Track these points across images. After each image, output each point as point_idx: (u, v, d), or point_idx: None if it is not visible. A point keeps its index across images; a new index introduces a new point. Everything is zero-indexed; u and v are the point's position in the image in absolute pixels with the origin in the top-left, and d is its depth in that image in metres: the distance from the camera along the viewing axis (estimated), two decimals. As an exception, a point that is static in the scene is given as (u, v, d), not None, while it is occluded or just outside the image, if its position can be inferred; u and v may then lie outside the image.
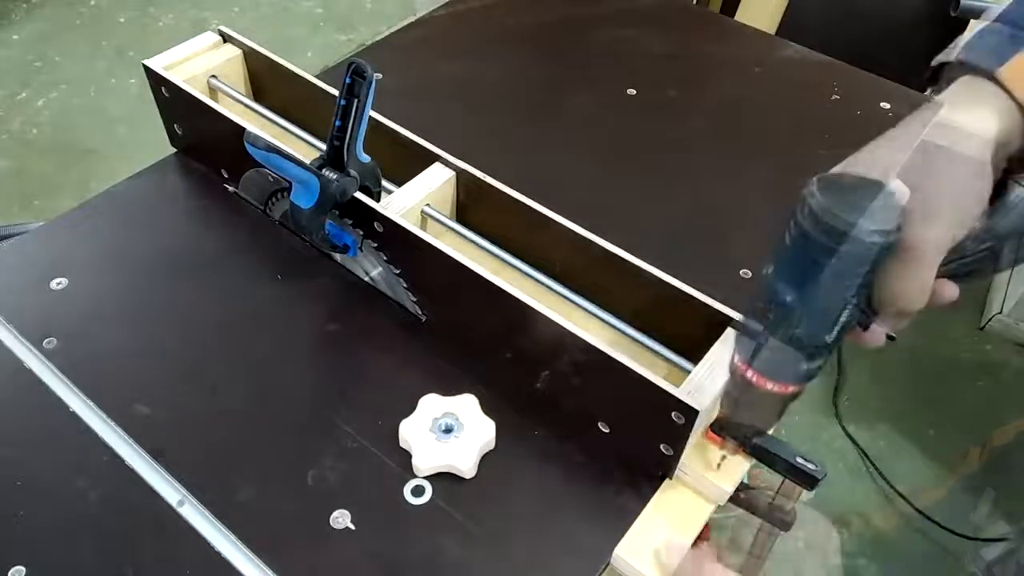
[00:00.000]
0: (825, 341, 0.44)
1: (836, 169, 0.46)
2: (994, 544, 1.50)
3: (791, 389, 0.48)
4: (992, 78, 0.43)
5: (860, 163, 0.46)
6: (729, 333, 0.60)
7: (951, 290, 0.46)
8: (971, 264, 0.47)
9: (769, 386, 0.48)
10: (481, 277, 0.62)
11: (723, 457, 0.59)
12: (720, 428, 0.56)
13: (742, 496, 0.73)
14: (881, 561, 1.49)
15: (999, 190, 0.46)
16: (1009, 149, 0.44)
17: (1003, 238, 0.47)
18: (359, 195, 0.67)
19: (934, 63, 0.46)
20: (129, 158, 2.02)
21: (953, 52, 0.45)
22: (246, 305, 0.72)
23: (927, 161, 0.43)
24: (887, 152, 0.45)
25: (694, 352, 0.60)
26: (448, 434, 0.61)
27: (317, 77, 0.78)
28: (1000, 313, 1.82)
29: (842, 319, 0.43)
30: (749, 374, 0.48)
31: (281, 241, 0.77)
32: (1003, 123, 0.43)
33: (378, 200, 0.69)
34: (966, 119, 0.44)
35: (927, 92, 0.50)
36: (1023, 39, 0.42)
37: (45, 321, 0.68)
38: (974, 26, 0.45)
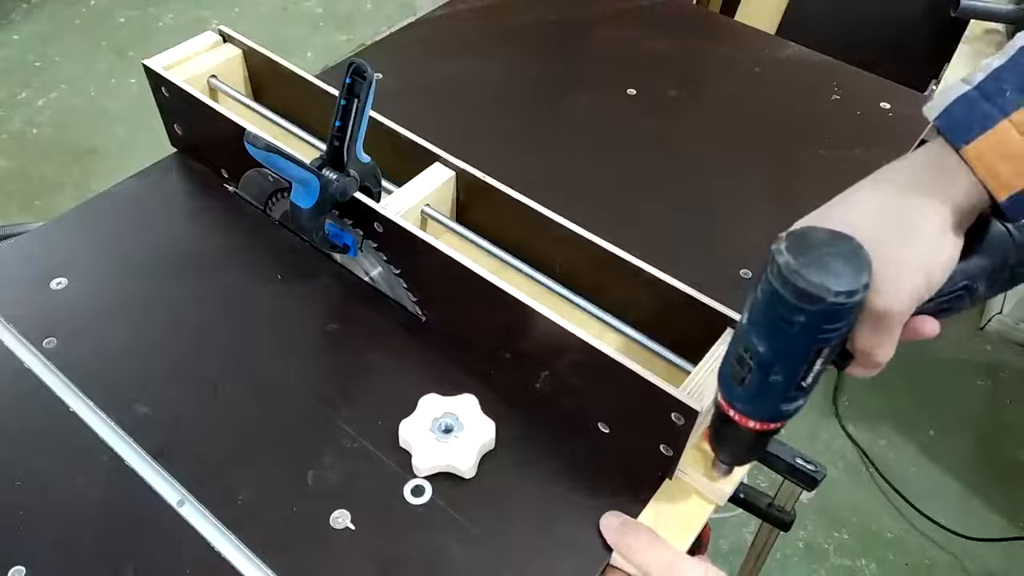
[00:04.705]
0: (802, 385, 0.46)
1: (805, 221, 0.47)
2: (994, 544, 1.50)
3: (772, 426, 0.50)
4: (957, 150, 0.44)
5: (830, 216, 0.47)
6: (729, 334, 0.60)
7: (931, 327, 0.48)
8: (947, 303, 0.48)
9: (751, 424, 0.50)
10: (481, 277, 0.62)
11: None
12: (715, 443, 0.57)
13: (742, 496, 0.73)
14: (881, 561, 1.50)
15: (979, 229, 0.47)
16: (979, 208, 0.45)
17: (977, 277, 0.48)
18: (359, 195, 0.67)
19: (924, 110, 0.47)
20: (129, 158, 2.03)
21: (934, 111, 0.45)
22: (246, 305, 0.72)
23: (890, 231, 0.45)
24: (856, 207, 0.47)
25: (694, 352, 0.60)
26: (448, 434, 0.61)
27: (317, 77, 0.78)
28: (1000, 313, 1.82)
29: (816, 366, 0.45)
30: (731, 412, 0.50)
31: (281, 241, 0.77)
32: (966, 194, 0.44)
33: (378, 200, 0.69)
34: (930, 190, 0.45)
35: (927, 93, 0.50)
36: (990, 117, 0.43)
37: (45, 321, 0.68)
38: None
